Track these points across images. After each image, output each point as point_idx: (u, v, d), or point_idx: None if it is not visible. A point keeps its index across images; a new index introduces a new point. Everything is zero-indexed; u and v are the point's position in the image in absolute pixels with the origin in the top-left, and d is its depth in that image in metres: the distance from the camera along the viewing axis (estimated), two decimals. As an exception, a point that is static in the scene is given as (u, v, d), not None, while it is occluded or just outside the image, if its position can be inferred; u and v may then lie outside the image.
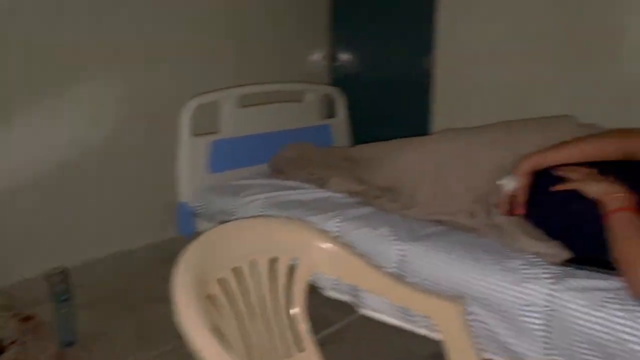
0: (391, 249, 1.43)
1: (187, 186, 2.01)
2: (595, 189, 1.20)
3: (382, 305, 1.44)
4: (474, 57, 2.89)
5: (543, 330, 1.14)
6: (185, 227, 2.00)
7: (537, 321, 1.14)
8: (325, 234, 1.31)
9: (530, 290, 1.16)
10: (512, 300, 1.18)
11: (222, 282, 1.09)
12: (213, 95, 2.08)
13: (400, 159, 1.70)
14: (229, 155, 2.10)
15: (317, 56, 3.40)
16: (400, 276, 1.40)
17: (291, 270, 1.22)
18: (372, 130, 2.97)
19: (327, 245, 1.32)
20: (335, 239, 1.34)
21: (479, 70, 2.88)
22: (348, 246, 1.31)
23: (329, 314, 1.71)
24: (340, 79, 3.61)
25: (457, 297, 1.27)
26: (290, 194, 1.82)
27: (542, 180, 1.38)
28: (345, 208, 1.65)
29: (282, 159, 2.08)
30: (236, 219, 1.27)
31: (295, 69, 2.97)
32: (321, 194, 1.80)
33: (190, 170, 2.01)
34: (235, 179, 2.04)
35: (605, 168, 1.32)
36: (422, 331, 1.38)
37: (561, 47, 2.59)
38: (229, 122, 2.11)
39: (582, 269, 1.20)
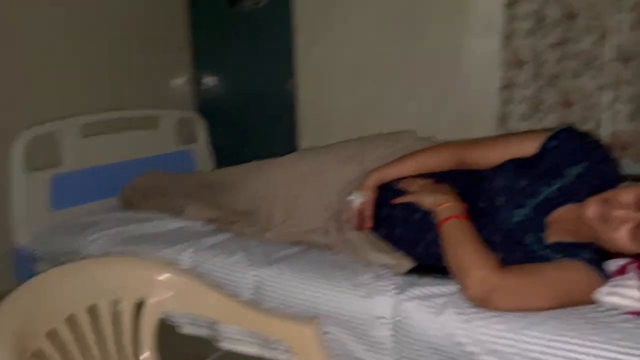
0: (246, 275, 1.39)
1: (25, 228, 1.80)
2: (428, 200, 1.27)
3: (240, 335, 1.38)
4: (331, 78, 2.99)
5: (393, 342, 1.16)
6: (23, 275, 1.78)
7: (386, 333, 1.16)
8: (171, 268, 1.23)
9: (378, 303, 1.18)
10: (362, 314, 1.19)
11: (52, 334, 0.97)
12: (51, 125, 1.90)
13: (256, 181, 1.67)
14: (73, 190, 1.92)
15: (179, 80, 3.31)
16: (257, 303, 1.36)
17: (138, 311, 1.13)
18: (241, 154, 2.93)
19: (174, 280, 1.25)
20: (183, 272, 1.27)
21: (338, 91, 2.99)
22: (198, 278, 1.24)
23: (191, 353, 1.61)
24: (206, 103, 3.54)
25: (311, 319, 1.26)
26: (142, 227, 1.71)
27: (386, 194, 1.43)
28: (200, 237, 1.58)
29: (134, 189, 1.95)
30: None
31: (156, 94, 2.85)
32: (176, 224, 1.71)
33: (27, 210, 1.80)
34: (81, 216, 1.87)
35: (442, 178, 1.41)
36: (284, 357, 1.35)
37: (409, 67, 2.77)
38: (71, 153, 1.93)
39: (425, 276, 1.25)
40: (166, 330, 1.52)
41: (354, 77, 2.91)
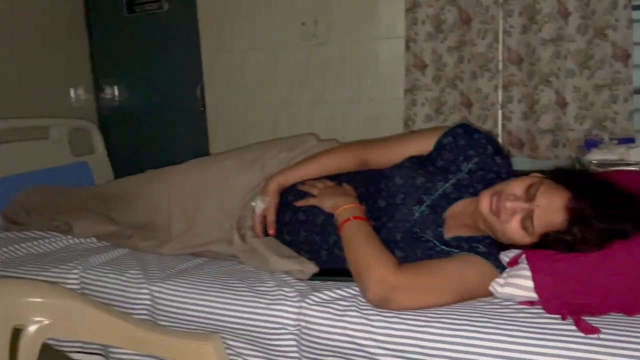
0: (140, 292, 1.28)
1: None
2: (327, 204, 1.24)
3: (137, 359, 1.27)
4: (240, 83, 2.94)
5: (296, 350, 1.11)
6: None
7: (289, 343, 1.11)
8: (55, 290, 1.11)
9: (280, 312, 1.12)
10: (264, 325, 1.13)
11: None
12: None
13: (151, 191, 1.56)
14: (-56, 210, 1.71)
15: (79, 89, 3.11)
16: (151, 322, 1.26)
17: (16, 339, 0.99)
18: (149, 165, 2.82)
19: (56, 303, 1.12)
20: (68, 293, 1.15)
21: (247, 96, 2.94)
22: (86, 300, 1.13)
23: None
24: (108, 112, 3.36)
25: (210, 335, 1.18)
26: (26, 247, 1.54)
27: (289, 198, 1.39)
28: (90, 255, 1.45)
29: (18, 206, 1.77)
30: None
31: (54, 103, 2.66)
32: (64, 242, 1.56)
33: None
34: (-45, 238, 1.67)
35: (345, 178, 1.39)
36: (185, 377, 1.25)
37: (316, 72, 2.78)
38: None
39: (329, 280, 1.21)
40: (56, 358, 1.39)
41: (263, 82, 2.88)
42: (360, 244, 1.10)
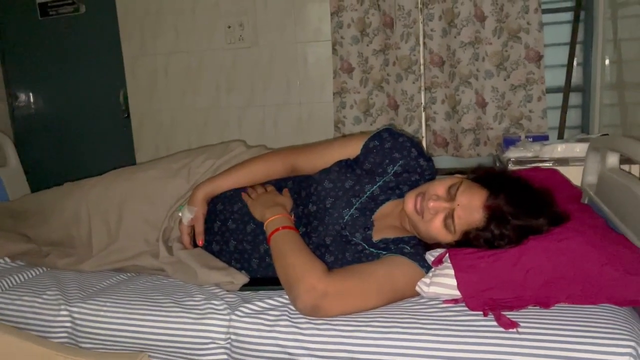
0: (59, 315, 1.21)
1: None
2: (257, 213, 1.23)
3: (59, 384, 1.20)
4: (165, 87, 2.86)
5: (228, 365, 1.08)
6: None
7: (219, 357, 1.08)
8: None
9: (209, 327, 1.09)
10: (194, 341, 1.10)
11: None
12: None
13: (69, 205, 1.48)
14: None
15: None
16: (73, 345, 1.19)
17: None
18: (70, 176, 2.70)
19: (-40, 333, 1.04)
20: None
21: (173, 101, 2.87)
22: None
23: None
24: (23, 122, 3.17)
25: (136, 354, 1.12)
26: None
27: (217, 207, 1.36)
28: (1, 277, 1.34)
29: None
30: None
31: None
32: (-28, 264, 1.44)
33: None
34: None
35: (277, 185, 1.37)
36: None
37: (244, 76, 2.75)
38: None
39: (259, 290, 1.20)
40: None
41: (189, 86, 2.82)
42: (288, 253, 1.10)
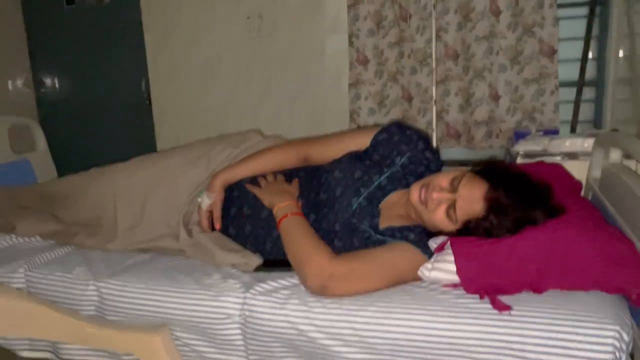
0: (87, 289, 1.31)
1: None
2: (266, 200, 1.31)
3: (88, 354, 1.30)
4: (185, 77, 2.94)
5: (242, 339, 1.17)
6: None
7: (235, 332, 1.17)
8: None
9: (226, 303, 1.18)
10: (211, 316, 1.18)
11: None
12: None
13: (97, 188, 1.57)
14: None
15: (17, 84, 3.02)
16: (100, 317, 1.29)
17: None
18: (92, 161, 2.81)
19: (2, 302, 1.14)
20: (13, 292, 1.16)
21: (193, 90, 2.95)
22: (32, 298, 1.15)
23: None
24: (49, 108, 3.28)
25: (158, 327, 1.22)
26: (-33, 248, 1.52)
27: (234, 193, 1.44)
28: (34, 254, 1.44)
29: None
30: None
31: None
32: (8, 242, 1.55)
33: None
34: None
35: (289, 174, 1.45)
36: (135, 370, 1.29)
37: (261, 67, 2.81)
38: None
39: (272, 271, 1.28)
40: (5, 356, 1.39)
41: (208, 76, 2.89)
42: (297, 237, 1.18)
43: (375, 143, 1.39)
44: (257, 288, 1.18)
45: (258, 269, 1.30)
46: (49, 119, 3.25)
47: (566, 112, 2.39)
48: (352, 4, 2.53)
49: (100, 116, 3.20)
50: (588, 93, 2.50)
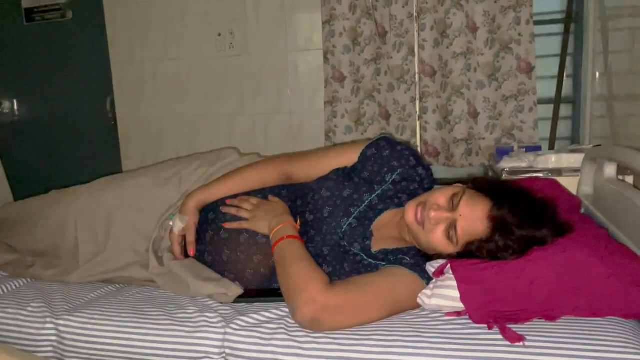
0: (44, 328, 1.16)
1: None
2: (263, 227, 1.20)
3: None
4: (153, 95, 2.82)
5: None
6: None
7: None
8: None
9: (203, 341, 1.05)
10: (186, 356, 1.06)
11: None
12: None
13: (56, 214, 1.43)
14: None
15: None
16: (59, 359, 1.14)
17: None
18: (57, 183, 2.66)
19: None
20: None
21: (161, 108, 2.83)
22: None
23: None
24: (6, 128, 3.10)
25: (125, 369, 1.08)
26: None
27: (210, 216, 1.32)
28: (-17, 288, 1.29)
29: None
30: None
31: None
32: (-48, 275, 1.39)
33: None
34: None
35: (271, 194, 1.34)
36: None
37: (234, 83, 2.72)
38: None
39: (254, 302, 1.16)
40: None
41: (177, 93, 2.78)
42: (289, 263, 1.06)
43: (363, 159, 1.30)
44: (238, 322, 1.06)
45: (238, 299, 1.18)
46: (6, 140, 3.06)
47: (543, 129, 2.37)
48: (327, 21, 2.47)
49: (62, 137, 3.04)
50: (565, 110, 2.49)
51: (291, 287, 1.02)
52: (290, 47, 2.64)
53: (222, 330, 1.05)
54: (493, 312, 0.95)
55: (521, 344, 0.89)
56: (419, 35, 2.37)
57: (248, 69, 2.68)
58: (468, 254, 1.05)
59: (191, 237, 1.29)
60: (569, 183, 1.61)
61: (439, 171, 2.55)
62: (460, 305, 0.99)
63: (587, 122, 2.37)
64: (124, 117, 2.87)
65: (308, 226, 1.22)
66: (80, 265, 1.35)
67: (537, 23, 2.36)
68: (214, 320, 1.07)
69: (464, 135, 2.40)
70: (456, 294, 1.00)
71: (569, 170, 1.75)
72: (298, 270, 1.04)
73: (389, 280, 1.05)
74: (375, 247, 1.16)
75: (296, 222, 1.21)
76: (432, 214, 1.07)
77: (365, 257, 1.15)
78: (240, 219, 1.26)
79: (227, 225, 1.26)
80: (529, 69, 2.29)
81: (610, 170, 1.39)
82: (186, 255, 1.31)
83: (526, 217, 1.02)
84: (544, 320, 0.96)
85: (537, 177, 1.58)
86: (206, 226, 1.31)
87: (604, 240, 1.07)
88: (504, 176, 1.79)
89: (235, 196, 1.33)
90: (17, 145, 3.07)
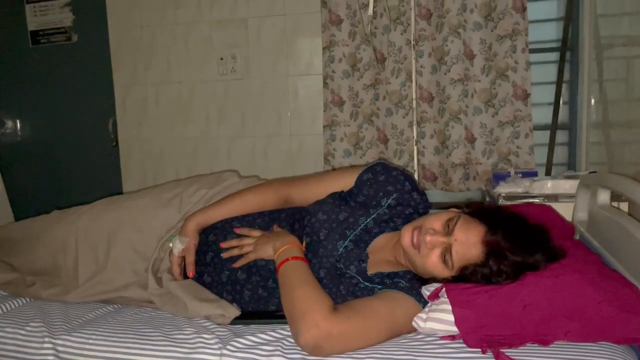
0: (42, 348, 1.16)
1: None
2: (268, 252, 1.20)
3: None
4: (155, 117, 2.86)
5: (218, 402, 1.04)
6: None
7: (210, 394, 1.04)
8: None
9: (200, 361, 1.06)
10: (183, 376, 1.06)
11: None
12: None
13: (56, 233, 1.44)
14: None
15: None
16: (56, 380, 1.14)
17: None
18: (58, 203, 2.67)
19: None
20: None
21: (163, 130, 2.86)
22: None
23: None
24: (10, 148, 3.13)
25: (122, 390, 1.09)
26: None
27: (209, 237, 1.33)
28: (-18, 307, 1.30)
29: None
30: None
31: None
32: (-48, 294, 1.39)
33: None
34: None
35: (270, 217, 1.36)
36: None
37: (235, 107, 2.76)
38: None
39: (251, 324, 1.17)
40: None
41: (179, 116, 2.82)
42: (295, 286, 1.07)
43: (360, 183, 1.32)
44: (235, 344, 1.06)
45: (235, 321, 1.19)
46: (9, 160, 3.09)
47: (540, 155, 2.40)
48: (327, 46, 2.52)
49: (64, 158, 3.07)
50: (561, 136, 2.53)
51: (296, 310, 1.03)
52: (290, 71, 2.69)
53: (218, 352, 1.06)
54: (487, 336, 0.96)
55: (514, 368, 0.90)
56: (416, 61, 2.42)
57: (249, 93, 2.73)
58: (463, 278, 1.07)
59: (190, 259, 1.31)
60: (565, 209, 1.63)
61: (437, 195, 2.57)
62: (454, 329, 1.00)
63: (583, 149, 2.40)
64: (125, 138, 2.91)
65: (305, 249, 1.24)
66: (80, 285, 1.36)
67: (533, 51, 2.40)
68: (211, 341, 1.08)
69: (462, 160, 2.43)
70: (451, 317, 1.01)
71: (565, 196, 1.77)
72: (303, 293, 1.04)
73: (389, 305, 1.07)
74: (371, 270, 1.18)
75: (302, 243, 1.22)
76: (428, 238, 1.09)
77: (361, 280, 1.16)
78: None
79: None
80: (525, 96, 2.33)
81: (603, 196, 1.41)
82: (185, 277, 1.32)
83: (519, 242, 1.04)
84: (537, 344, 0.97)
85: (531, 203, 1.60)
86: (206, 248, 1.33)
87: (596, 266, 1.09)
88: (501, 201, 1.81)
89: (234, 218, 1.35)
90: (19, 165, 3.10)
